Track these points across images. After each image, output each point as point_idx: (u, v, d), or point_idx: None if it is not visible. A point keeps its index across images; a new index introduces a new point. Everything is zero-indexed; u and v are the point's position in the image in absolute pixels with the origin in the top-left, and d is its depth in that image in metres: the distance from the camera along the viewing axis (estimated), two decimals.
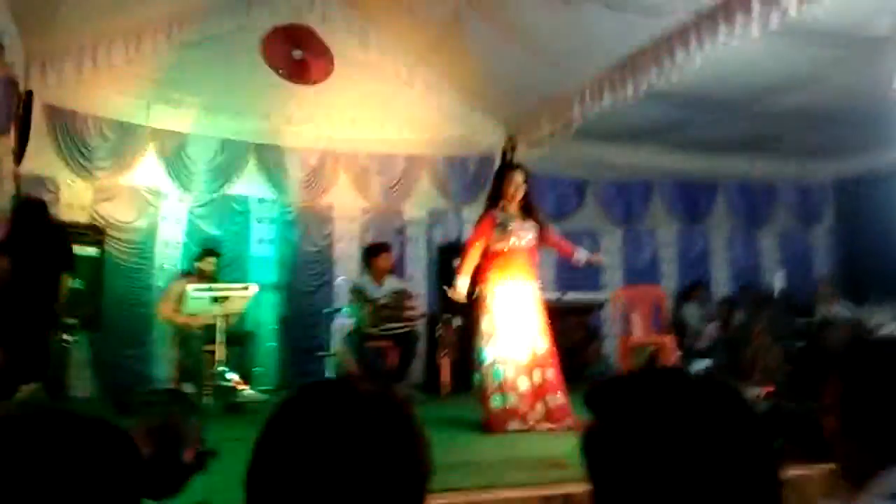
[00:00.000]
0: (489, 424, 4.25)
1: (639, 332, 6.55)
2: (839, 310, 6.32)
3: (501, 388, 4.30)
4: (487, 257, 4.49)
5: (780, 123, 6.52)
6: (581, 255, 4.78)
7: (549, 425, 4.24)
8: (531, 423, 4.25)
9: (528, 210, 4.53)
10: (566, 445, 3.64)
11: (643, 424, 0.79)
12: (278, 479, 0.80)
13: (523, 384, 4.31)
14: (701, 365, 5.97)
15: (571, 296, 6.80)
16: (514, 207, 4.49)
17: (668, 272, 7.93)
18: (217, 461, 2.53)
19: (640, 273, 7.75)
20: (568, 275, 7.38)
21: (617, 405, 0.83)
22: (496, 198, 4.54)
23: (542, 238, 4.59)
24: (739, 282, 7.66)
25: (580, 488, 2.72)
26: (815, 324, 5.28)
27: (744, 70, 5.26)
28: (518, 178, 4.52)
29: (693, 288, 7.51)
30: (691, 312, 7.20)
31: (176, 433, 2.45)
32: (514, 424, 4.21)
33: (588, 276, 7.52)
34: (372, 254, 6.18)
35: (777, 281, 6.49)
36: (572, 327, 6.47)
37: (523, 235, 4.46)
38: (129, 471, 0.77)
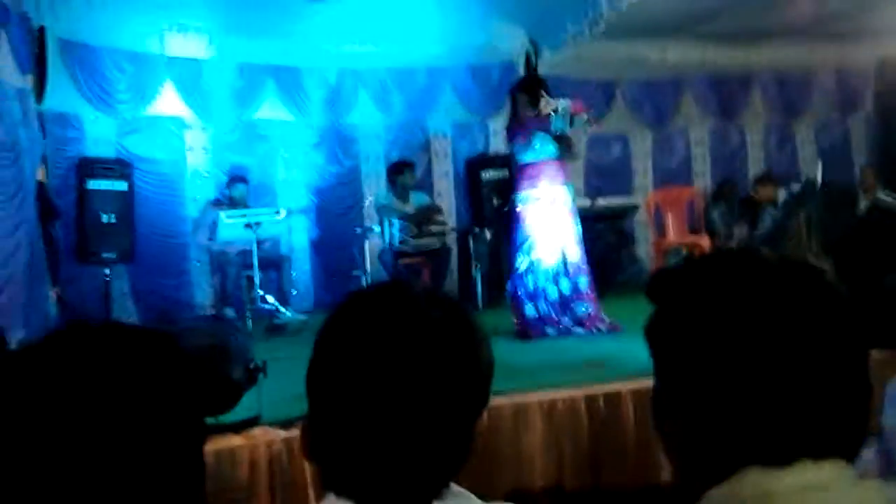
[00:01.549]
0: (524, 330, 4.32)
1: (673, 233, 6.47)
2: (882, 197, 6.13)
3: (534, 296, 4.35)
4: (518, 170, 4.53)
5: (815, 6, 6.16)
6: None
7: (583, 329, 4.31)
8: (566, 327, 4.32)
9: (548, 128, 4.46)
10: (606, 347, 3.69)
11: (713, 306, 0.71)
12: (339, 377, 0.79)
13: (554, 292, 4.36)
14: None
15: (602, 202, 6.71)
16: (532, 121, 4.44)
17: (701, 171, 7.75)
18: (264, 379, 2.61)
19: (673, 174, 7.60)
20: (598, 181, 7.29)
21: (683, 290, 0.74)
22: (514, 114, 4.57)
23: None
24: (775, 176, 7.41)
25: (621, 387, 2.76)
26: (862, 213, 5.12)
27: None
28: (521, 98, 4.48)
29: (721, 187, 7.34)
30: (718, 213, 7.06)
31: (225, 352, 2.52)
32: (549, 329, 4.29)
33: (618, 180, 7.41)
34: (393, 171, 6.23)
35: (817, 172, 6.30)
36: (604, 233, 6.41)
37: (545, 149, 4.41)
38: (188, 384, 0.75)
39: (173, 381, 0.71)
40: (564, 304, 4.38)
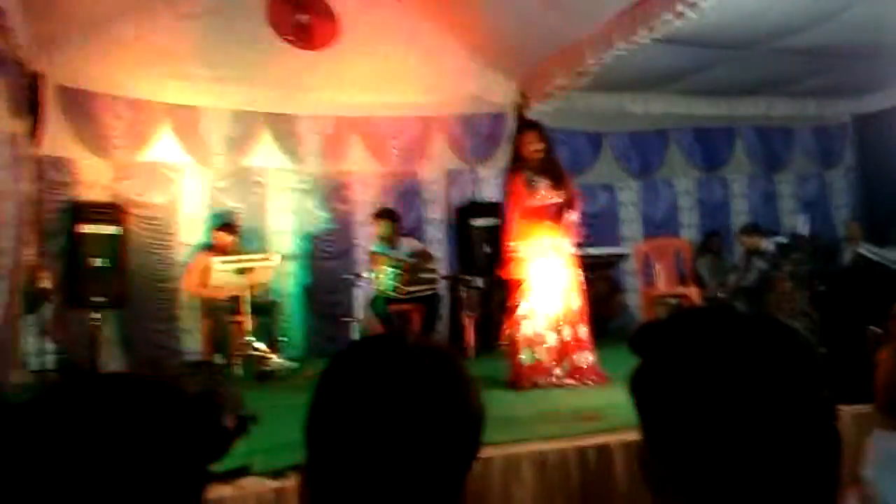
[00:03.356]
0: (516, 379, 4.29)
1: (662, 284, 6.54)
2: (864, 251, 6.25)
3: (530, 343, 4.33)
4: (521, 214, 4.50)
5: (796, 63, 6.39)
6: None
7: (574, 381, 4.28)
8: (557, 378, 4.30)
9: (551, 171, 4.48)
10: (598, 399, 3.69)
11: (693, 360, 0.76)
12: (337, 429, 0.81)
13: (551, 339, 4.34)
14: None
15: (592, 250, 6.76)
16: (535, 167, 4.45)
17: (687, 222, 7.87)
18: (254, 427, 2.60)
19: (660, 224, 7.71)
20: (586, 230, 7.36)
21: (665, 344, 0.79)
22: (516, 160, 4.54)
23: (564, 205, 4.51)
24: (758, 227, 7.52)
25: (614, 439, 2.76)
26: (845, 266, 5.21)
27: (758, 8, 5.14)
28: (530, 137, 4.48)
29: (709, 239, 7.45)
30: (705, 264, 7.16)
31: (216, 400, 2.52)
32: (540, 380, 4.26)
33: (606, 229, 7.51)
34: (373, 219, 6.31)
35: (800, 225, 6.42)
36: (594, 282, 6.46)
37: (551, 194, 4.43)
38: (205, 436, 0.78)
39: (178, 432, 0.74)
40: (565, 352, 4.34)
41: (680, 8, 4.75)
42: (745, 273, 6.18)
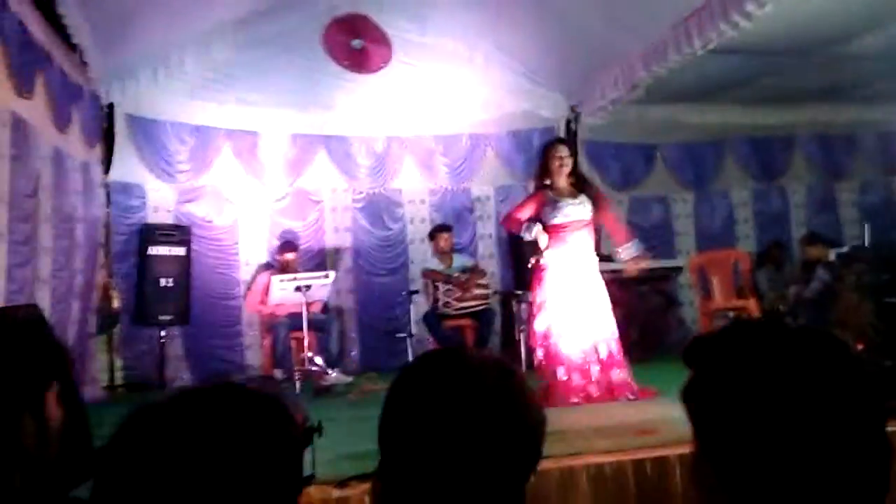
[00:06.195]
0: (550, 397, 4.14)
1: (719, 296, 6.41)
2: None
3: (560, 361, 4.23)
4: (547, 230, 4.39)
5: (858, 68, 6.22)
6: (628, 251, 4.57)
7: (609, 399, 4.17)
8: (590, 396, 4.18)
9: (578, 185, 4.43)
10: (651, 414, 3.65)
11: (743, 372, 0.78)
12: (407, 438, 0.88)
13: (580, 358, 4.25)
14: None
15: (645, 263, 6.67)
16: (562, 183, 4.39)
17: (744, 233, 7.71)
18: (318, 439, 2.68)
19: (714, 236, 7.56)
20: (640, 243, 7.29)
21: (716, 356, 0.82)
22: (542, 175, 4.46)
23: (597, 214, 4.43)
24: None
25: (668, 452, 2.74)
26: None
27: (816, 15, 5.04)
28: (560, 151, 4.42)
29: (769, 250, 7.26)
30: (763, 276, 6.97)
31: (289, 409, 2.61)
32: (573, 398, 4.14)
33: (661, 242, 7.42)
34: (431, 236, 6.41)
35: (864, 234, 6.20)
36: (648, 295, 6.40)
37: (574, 211, 4.34)
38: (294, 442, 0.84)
39: (279, 438, 0.80)
40: (602, 368, 4.25)
41: (735, 18, 4.68)
42: (807, 284, 6.00)
